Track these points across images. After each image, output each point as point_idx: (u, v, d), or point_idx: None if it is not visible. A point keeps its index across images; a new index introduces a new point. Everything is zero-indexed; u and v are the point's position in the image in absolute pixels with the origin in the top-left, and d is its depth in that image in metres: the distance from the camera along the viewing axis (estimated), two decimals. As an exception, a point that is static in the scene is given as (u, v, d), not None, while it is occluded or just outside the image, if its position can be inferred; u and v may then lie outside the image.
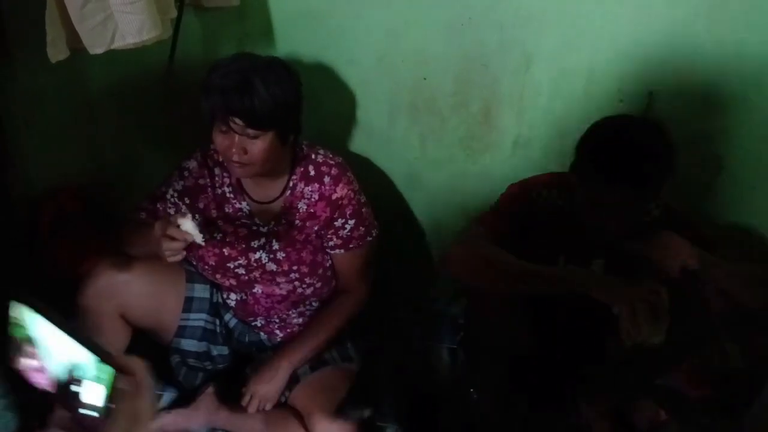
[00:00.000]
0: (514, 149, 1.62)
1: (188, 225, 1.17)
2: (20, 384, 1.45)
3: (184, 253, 1.19)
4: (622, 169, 1.18)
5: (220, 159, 1.38)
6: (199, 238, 1.18)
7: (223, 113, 1.19)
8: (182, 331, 1.41)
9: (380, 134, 1.67)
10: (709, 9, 1.35)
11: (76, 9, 1.10)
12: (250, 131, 1.20)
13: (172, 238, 1.16)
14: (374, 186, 1.57)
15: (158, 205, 1.35)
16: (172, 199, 1.35)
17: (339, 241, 1.39)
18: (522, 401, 1.62)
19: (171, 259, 1.18)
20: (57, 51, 1.14)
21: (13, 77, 1.44)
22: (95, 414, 0.63)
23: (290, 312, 1.46)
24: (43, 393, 0.73)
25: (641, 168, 1.18)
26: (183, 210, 1.21)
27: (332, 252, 1.41)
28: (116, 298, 1.28)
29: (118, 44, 1.17)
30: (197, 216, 1.20)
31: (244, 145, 1.21)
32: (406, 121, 1.64)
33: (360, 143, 1.69)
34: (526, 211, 1.35)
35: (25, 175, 1.66)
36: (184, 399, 1.49)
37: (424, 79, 1.56)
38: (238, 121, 1.18)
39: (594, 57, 1.45)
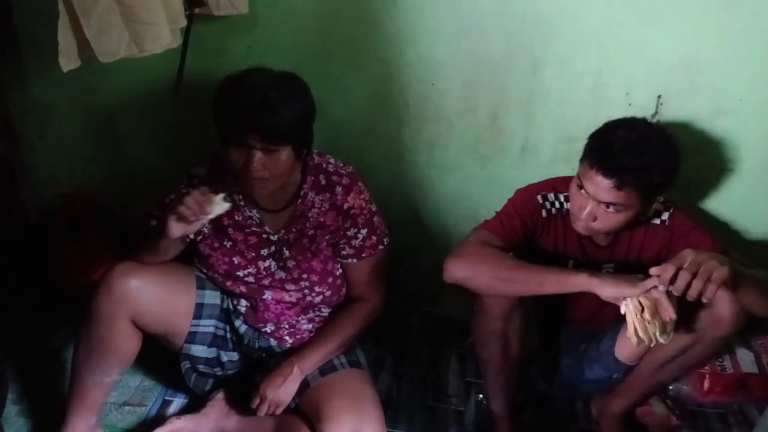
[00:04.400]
0: (522, 154, 1.62)
1: (222, 204, 1.19)
2: (33, 390, 1.47)
3: (189, 227, 1.19)
4: (615, 171, 1.18)
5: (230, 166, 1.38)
6: (212, 215, 1.19)
7: (242, 130, 1.18)
8: (192, 337, 1.42)
9: (389, 140, 1.67)
10: (717, 12, 1.34)
11: (87, 18, 1.11)
12: (269, 147, 1.20)
13: (195, 201, 1.17)
14: (383, 192, 1.57)
15: (167, 211, 1.36)
16: None
17: (352, 251, 1.40)
18: (530, 406, 1.62)
19: (179, 220, 1.18)
20: (69, 60, 1.15)
21: (26, 87, 1.46)
22: None
23: (300, 318, 1.46)
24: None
25: (634, 175, 1.17)
26: (225, 196, 1.21)
27: (345, 261, 1.42)
28: (128, 304, 1.29)
29: (129, 53, 1.18)
30: (228, 209, 1.22)
31: (262, 161, 1.21)
32: (414, 127, 1.64)
33: (368, 149, 1.70)
34: (534, 215, 1.34)
35: (38, 183, 1.68)
36: (195, 405, 1.50)
37: (432, 84, 1.57)
38: (255, 137, 1.18)
39: (601, 61, 1.45)
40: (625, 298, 1.15)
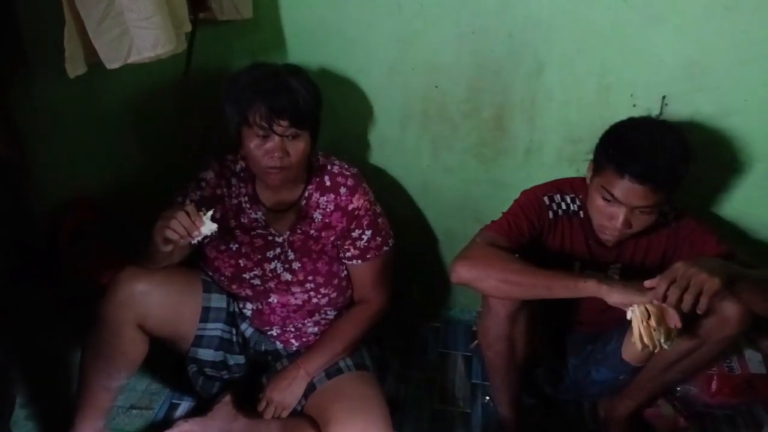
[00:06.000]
0: (526, 155, 1.62)
1: (209, 225, 1.16)
2: (41, 394, 1.48)
3: (175, 243, 1.17)
4: (650, 174, 1.17)
5: (237, 169, 1.39)
6: (199, 237, 1.16)
7: (267, 116, 1.20)
8: (199, 341, 1.42)
9: (392, 142, 1.67)
10: (721, 12, 1.34)
11: (93, 25, 1.12)
12: (292, 131, 1.22)
13: (180, 225, 1.14)
14: (387, 194, 1.57)
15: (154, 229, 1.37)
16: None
17: (356, 252, 1.40)
18: (537, 408, 1.61)
19: (165, 241, 1.16)
20: (75, 66, 1.16)
21: (32, 93, 1.47)
22: None
23: (306, 321, 1.46)
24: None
25: (667, 172, 1.18)
26: (215, 212, 1.20)
27: (350, 263, 1.42)
28: (135, 309, 1.30)
29: (134, 58, 1.19)
30: (214, 230, 1.19)
31: (286, 147, 1.24)
32: (418, 129, 1.64)
33: (372, 152, 1.70)
34: (541, 217, 1.34)
35: (44, 188, 1.68)
36: (201, 408, 1.50)
37: (436, 87, 1.57)
38: (282, 122, 1.20)
39: (605, 62, 1.45)
40: (632, 304, 1.15)
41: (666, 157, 1.18)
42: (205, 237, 1.19)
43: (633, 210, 1.22)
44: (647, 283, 1.11)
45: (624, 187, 1.20)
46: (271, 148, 1.23)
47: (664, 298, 1.08)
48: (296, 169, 1.28)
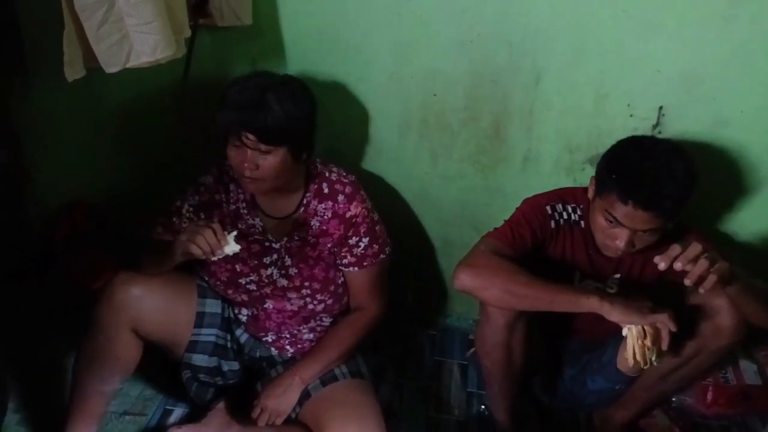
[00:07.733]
0: (524, 164, 1.62)
1: (232, 246, 1.18)
2: (34, 399, 1.47)
3: (198, 254, 1.18)
4: (655, 202, 1.17)
5: (235, 175, 1.39)
6: (221, 255, 1.18)
7: (237, 128, 1.20)
8: (193, 346, 1.41)
9: (391, 150, 1.68)
10: (718, 24, 1.35)
11: (92, 29, 1.12)
12: (262, 146, 1.21)
13: (207, 243, 1.16)
14: (385, 201, 1.57)
15: (174, 219, 1.37)
16: (187, 214, 1.37)
17: (353, 259, 1.40)
18: (533, 417, 1.61)
19: (186, 254, 1.19)
20: (74, 70, 1.16)
21: (31, 97, 1.47)
22: None
23: (301, 328, 1.46)
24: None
25: (672, 201, 1.18)
26: (237, 235, 1.21)
27: (346, 270, 1.42)
28: (129, 313, 1.29)
29: (133, 63, 1.19)
30: (237, 251, 1.20)
31: (256, 161, 1.23)
32: (417, 137, 1.65)
33: (371, 159, 1.70)
34: (544, 226, 1.34)
35: (41, 192, 1.68)
36: (195, 414, 1.49)
37: (434, 95, 1.57)
38: (250, 136, 1.20)
39: (603, 72, 1.46)
40: (631, 323, 1.18)
41: (672, 186, 1.18)
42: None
43: (636, 232, 1.23)
44: (657, 259, 1.09)
45: (629, 214, 1.20)
46: (242, 159, 1.23)
47: (672, 260, 1.07)
48: (271, 182, 1.27)
